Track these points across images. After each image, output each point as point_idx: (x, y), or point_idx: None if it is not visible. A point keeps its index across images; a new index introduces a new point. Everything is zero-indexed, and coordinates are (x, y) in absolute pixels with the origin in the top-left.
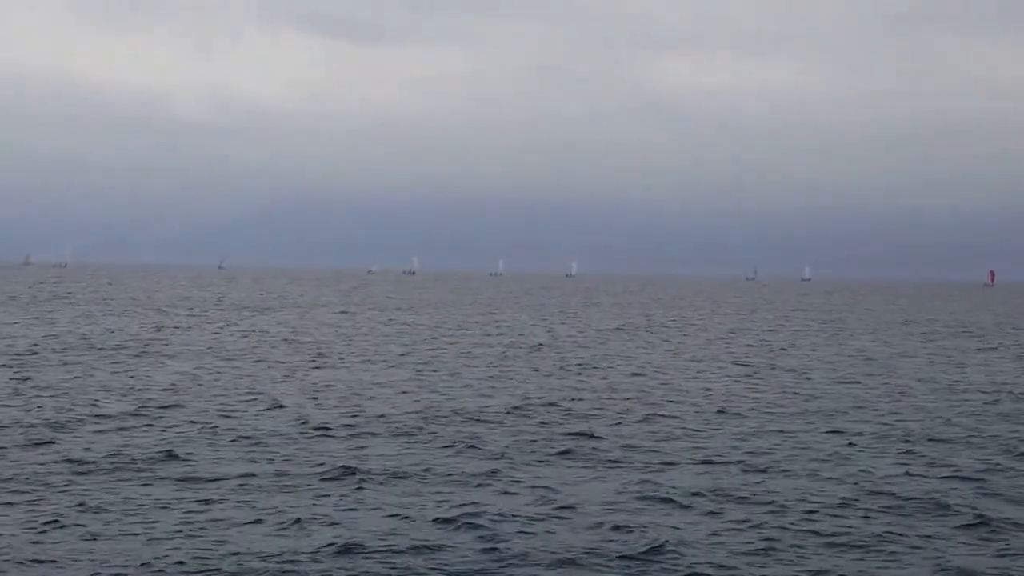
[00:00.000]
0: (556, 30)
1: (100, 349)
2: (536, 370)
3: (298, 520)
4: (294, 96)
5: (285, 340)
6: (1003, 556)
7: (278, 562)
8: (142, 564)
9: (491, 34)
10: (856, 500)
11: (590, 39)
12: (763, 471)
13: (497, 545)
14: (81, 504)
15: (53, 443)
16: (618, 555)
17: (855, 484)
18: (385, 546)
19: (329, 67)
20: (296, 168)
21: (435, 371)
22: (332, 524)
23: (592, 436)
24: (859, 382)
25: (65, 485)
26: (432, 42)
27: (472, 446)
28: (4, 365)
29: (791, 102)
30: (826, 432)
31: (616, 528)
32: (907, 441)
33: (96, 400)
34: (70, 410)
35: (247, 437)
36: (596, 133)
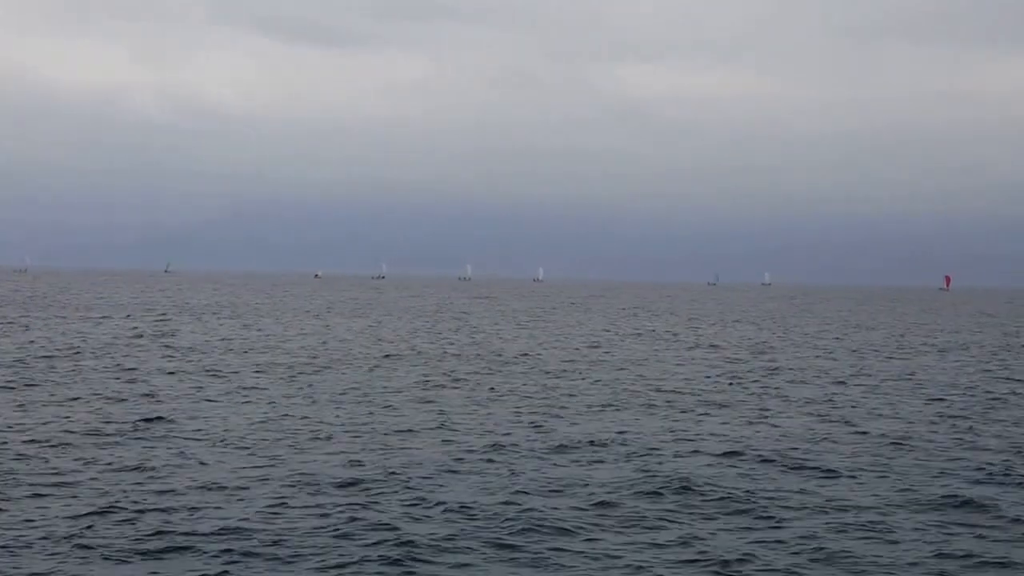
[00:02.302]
0: (522, 37)
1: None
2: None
3: None
4: (255, 100)
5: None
6: None
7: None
8: None
9: (457, 40)
10: None
11: (557, 46)
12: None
13: None
14: None
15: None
16: None
17: None
18: None
19: (291, 71)
20: (256, 172)
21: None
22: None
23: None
24: None
25: None
26: (397, 47)
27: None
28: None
29: (755, 111)
30: None
31: None
32: None
33: None
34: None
35: None
36: (563, 139)
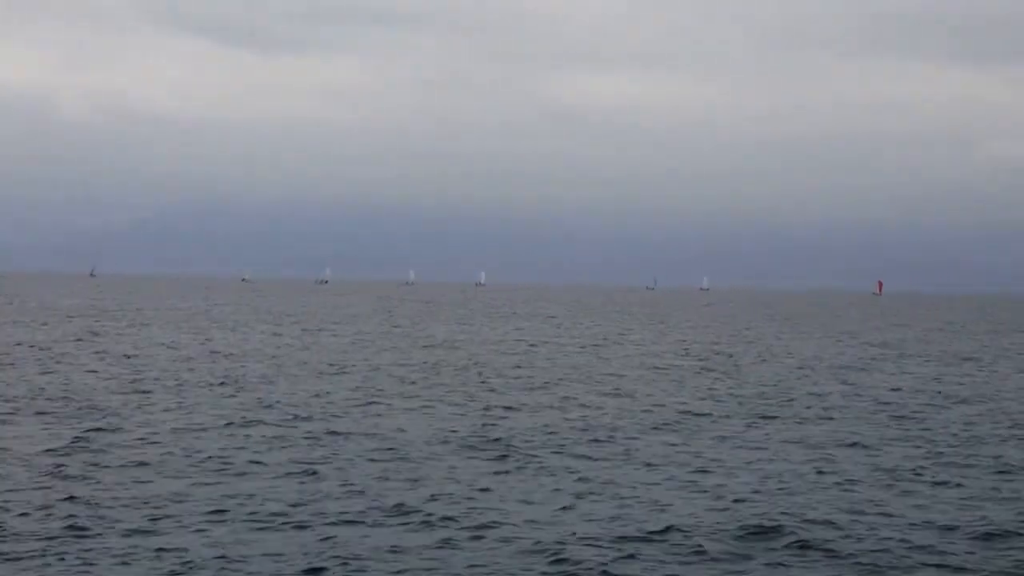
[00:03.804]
0: (458, 41)
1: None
2: None
3: None
4: (188, 102)
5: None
6: None
7: None
8: None
9: (393, 43)
10: None
11: (492, 50)
12: None
13: None
14: None
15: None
16: None
17: None
18: None
19: (225, 74)
20: (188, 175)
21: None
22: None
23: None
24: None
25: None
26: (332, 51)
27: None
28: None
29: (692, 117)
30: None
31: None
32: None
33: None
34: None
35: None
36: (500, 143)
